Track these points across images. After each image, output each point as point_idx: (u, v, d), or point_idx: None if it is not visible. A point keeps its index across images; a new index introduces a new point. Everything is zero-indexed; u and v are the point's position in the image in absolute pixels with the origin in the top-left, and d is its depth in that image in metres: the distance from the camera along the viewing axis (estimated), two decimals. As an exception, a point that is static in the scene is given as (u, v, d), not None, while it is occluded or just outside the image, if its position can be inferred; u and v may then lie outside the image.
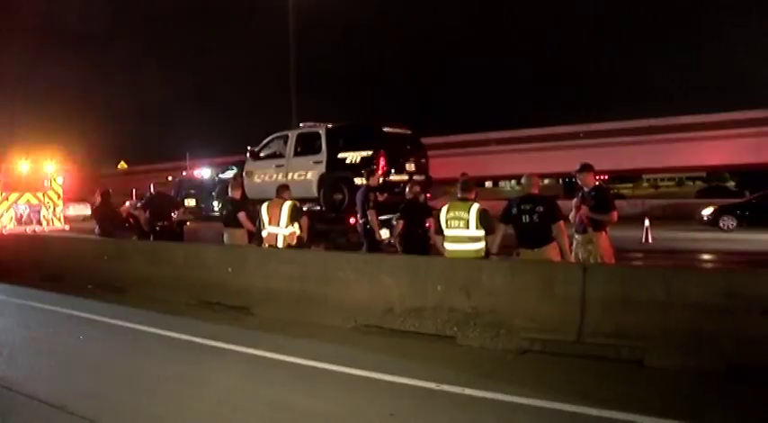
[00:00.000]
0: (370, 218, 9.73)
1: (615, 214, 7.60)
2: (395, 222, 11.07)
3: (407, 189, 9.56)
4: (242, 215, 9.85)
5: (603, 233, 7.61)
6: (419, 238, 8.96)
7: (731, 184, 54.51)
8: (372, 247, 9.83)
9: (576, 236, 7.74)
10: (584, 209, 7.59)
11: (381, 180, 10.64)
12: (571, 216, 7.82)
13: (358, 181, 11.16)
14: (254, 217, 9.64)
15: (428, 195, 11.47)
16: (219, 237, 10.56)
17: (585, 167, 7.82)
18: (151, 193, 12.86)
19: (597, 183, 7.96)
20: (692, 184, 74.66)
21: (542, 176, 8.91)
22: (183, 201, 15.15)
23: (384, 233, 11.25)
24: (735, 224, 19.01)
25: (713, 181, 62.17)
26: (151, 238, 11.85)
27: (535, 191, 7.22)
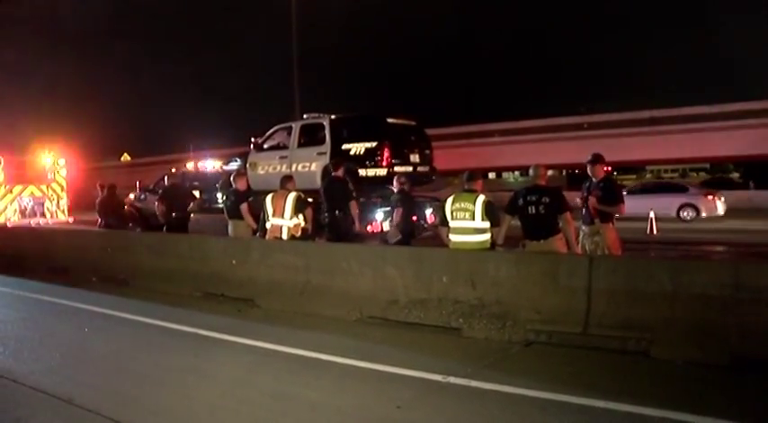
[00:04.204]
0: (352, 210, 9.72)
1: (623, 206, 7.56)
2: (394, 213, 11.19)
3: (395, 181, 9.75)
4: (244, 207, 9.82)
5: (611, 224, 7.56)
6: (412, 226, 9.63)
7: (735, 175, 54.44)
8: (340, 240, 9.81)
9: (584, 227, 7.70)
10: (593, 200, 7.55)
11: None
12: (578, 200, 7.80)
13: (362, 172, 11.14)
14: (258, 209, 9.62)
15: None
16: (223, 228, 10.55)
17: (596, 159, 7.74)
18: (167, 185, 12.84)
19: (606, 174, 7.93)
20: (695, 175, 74.63)
21: (546, 167, 8.93)
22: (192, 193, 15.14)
23: (387, 225, 11.25)
24: None
25: (717, 172, 62.09)
26: (164, 230, 11.84)
27: (542, 182, 7.19)
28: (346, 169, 10.54)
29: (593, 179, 7.71)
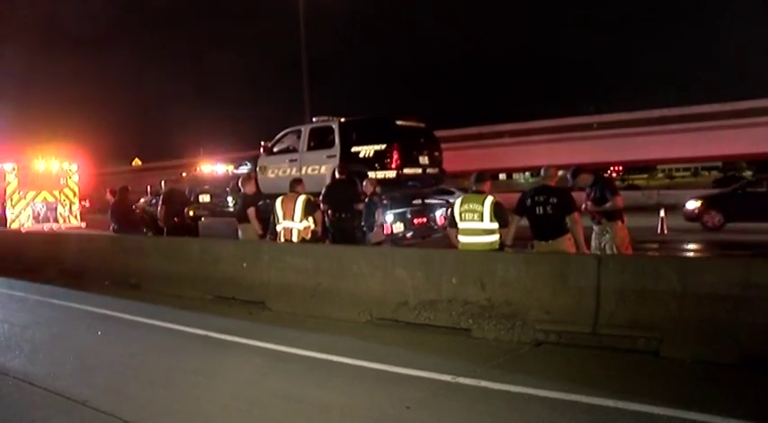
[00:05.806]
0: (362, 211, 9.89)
1: (619, 200, 7.56)
2: (409, 215, 11.35)
3: (368, 183, 10.06)
4: (251, 211, 9.88)
5: (619, 222, 7.55)
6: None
7: (748, 173, 54.05)
8: (337, 240, 9.94)
9: (594, 227, 7.72)
10: (590, 205, 7.63)
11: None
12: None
13: (371, 175, 11.19)
14: (268, 212, 9.68)
15: None
16: (234, 232, 10.63)
17: (576, 173, 7.86)
18: (166, 190, 12.97)
19: (596, 176, 7.96)
20: (707, 173, 74.15)
21: (557, 168, 8.97)
22: (198, 197, 15.24)
23: (398, 226, 11.30)
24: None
25: (729, 170, 61.66)
26: (165, 233, 11.96)
27: (551, 183, 7.20)
28: (354, 172, 10.60)
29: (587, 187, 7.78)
